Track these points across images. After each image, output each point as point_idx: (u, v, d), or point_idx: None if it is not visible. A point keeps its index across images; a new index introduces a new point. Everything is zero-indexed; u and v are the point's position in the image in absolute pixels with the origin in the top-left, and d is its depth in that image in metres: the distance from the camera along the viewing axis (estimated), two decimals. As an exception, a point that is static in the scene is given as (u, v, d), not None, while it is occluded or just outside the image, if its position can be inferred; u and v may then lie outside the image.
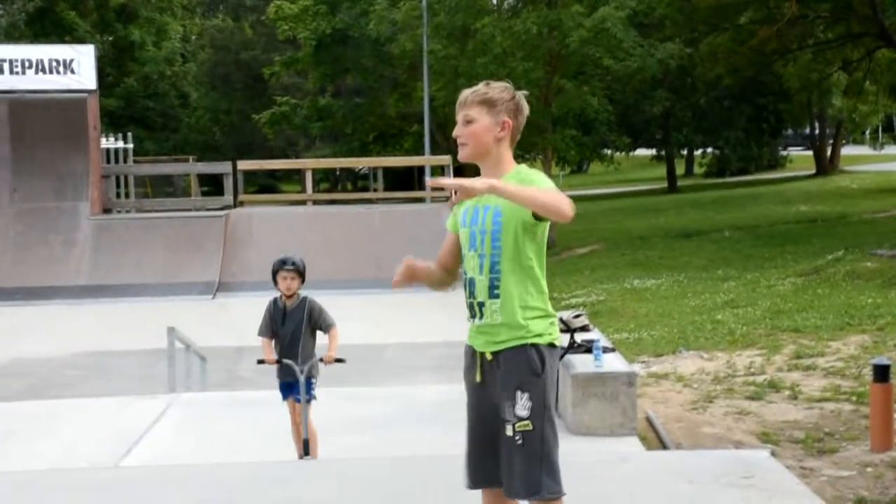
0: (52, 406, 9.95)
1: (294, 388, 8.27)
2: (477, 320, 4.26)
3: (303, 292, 8.47)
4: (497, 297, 4.19)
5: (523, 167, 4.32)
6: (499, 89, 4.31)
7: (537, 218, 4.12)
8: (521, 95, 4.34)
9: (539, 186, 4.10)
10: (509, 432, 4.12)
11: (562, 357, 7.93)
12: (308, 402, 8.10)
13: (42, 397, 10.61)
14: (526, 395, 4.12)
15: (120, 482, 6.89)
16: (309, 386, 8.21)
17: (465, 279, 4.31)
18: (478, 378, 4.26)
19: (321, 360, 8.25)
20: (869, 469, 7.72)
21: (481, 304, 4.23)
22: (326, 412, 9.08)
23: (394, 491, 6.12)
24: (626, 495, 6.15)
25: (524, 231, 4.17)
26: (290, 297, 8.42)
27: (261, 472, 6.84)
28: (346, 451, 7.70)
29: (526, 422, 4.10)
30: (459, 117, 4.30)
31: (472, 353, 4.33)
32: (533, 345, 4.18)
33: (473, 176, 4.28)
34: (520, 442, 4.10)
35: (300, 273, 8.52)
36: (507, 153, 4.30)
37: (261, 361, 8.45)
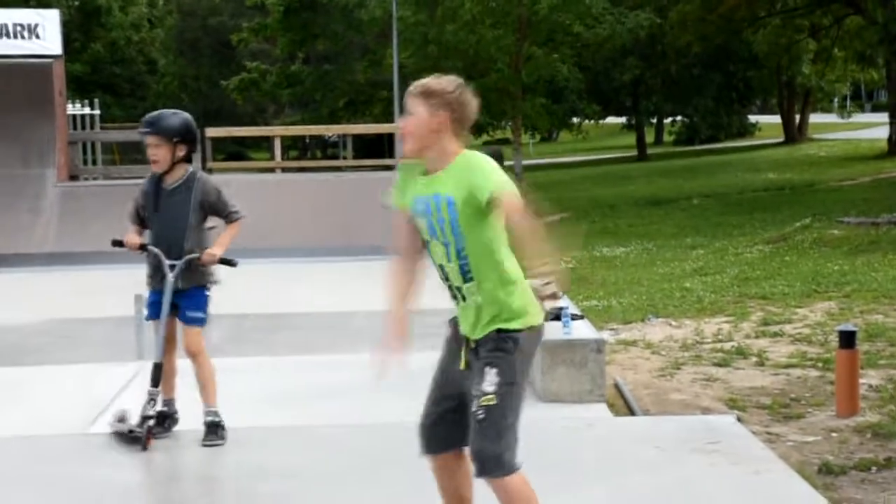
0: (19, 373, 9.89)
1: (176, 300, 6.64)
2: (461, 302, 4.25)
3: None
4: (471, 279, 4.18)
5: (468, 153, 4.22)
6: (442, 81, 4.25)
7: (489, 205, 4.09)
8: (466, 89, 4.26)
9: (485, 176, 4.06)
10: (474, 407, 4.12)
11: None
12: (191, 323, 6.70)
13: (9, 364, 10.54)
14: (494, 371, 4.11)
15: (88, 448, 6.87)
16: (198, 298, 6.71)
17: (435, 264, 4.29)
18: (462, 366, 4.26)
19: (198, 258, 6.59)
20: (834, 434, 7.80)
21: (458, 288, 4.23)
22: (294, 379, 9.08)
23: (362, 457, 6.14)
24: (592, 461, 6.19)
25: (481, 215, 4.13)
26: (167, 171, 6.61)
27: (228, 437, 6.83)
28: (314, 417, 7.69)
29: (490, 397, 4.08)
30: (406, 111, 4.25)
31: (457, 334, 4.33)
32: (508, 331, 4.16)
33: None
34: (480, 416, 4.08)
35: (169, 137, 6.53)
36: (450, 144, 4.20)
37: (117, 242, 6.85)
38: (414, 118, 4.19)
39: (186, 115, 6.77)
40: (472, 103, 4.28)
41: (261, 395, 8.48)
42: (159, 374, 6.60)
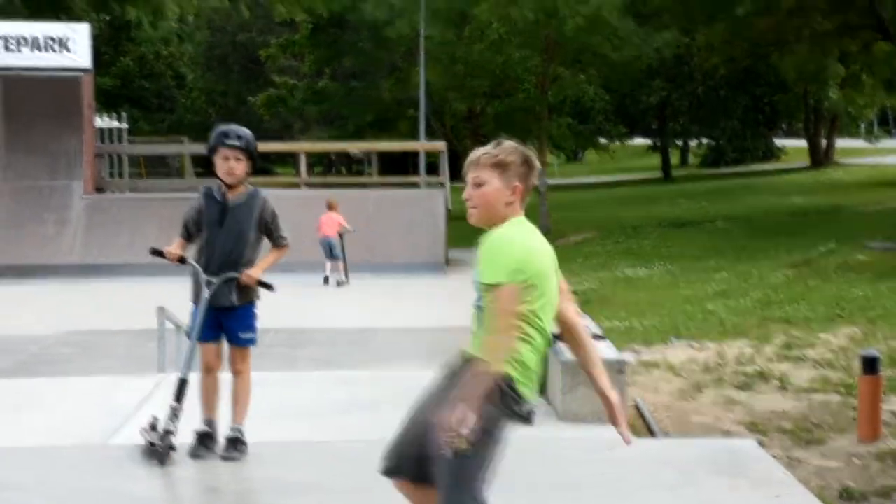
0: (41, 384, 9.95)
1: (223, 319, 6.61)
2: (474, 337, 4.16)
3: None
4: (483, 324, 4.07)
5: (505, 228, 4.10)
6: (509, 151, 4.14)
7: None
8: (532, 154, 4.21)
9: (492, 260, 3.98)
10: (441, 442, 3.91)
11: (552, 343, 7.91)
12: (244, 344, 6.72)
13: (32, 375, 10.61)
14: (472, 416, 3.86)
15: (108, 460, 6.90)
16: (246, 318, 6.69)
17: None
18: (448, 381, 4.13)
19: (236, 277, 6.53)
20: (856, 460, 7.75)
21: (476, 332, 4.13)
22: (315, 394, 9.09)
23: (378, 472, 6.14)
24: (611, 482, 6.17)
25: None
26: (232, 186, 6.63)
27: (253, 451, 6.84)
28: (333, 433, 7.70)
29: (463, 440, 3.85)
30: (469, 178, 4.13)
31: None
32: (506, 377, 3.97)
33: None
34: (446, 455, 3.91)
35: (249, 153, 6.63)
36: (513, 216, 4.13)
37: (157, 252, 6.69)
38: (489, 188, 4.10)
39: None
40: (538, 167, 4.25)
41: (281, 409, 8.49)
42: (183, 390, 6.58)
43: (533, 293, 3.98)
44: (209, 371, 6.77)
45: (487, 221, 4.12)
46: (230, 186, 6.62)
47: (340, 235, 20.57)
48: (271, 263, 6.69)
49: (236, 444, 6.62)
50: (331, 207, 21.20)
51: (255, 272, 6.56)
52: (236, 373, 6.75)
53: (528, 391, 4.08)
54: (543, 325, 4.06)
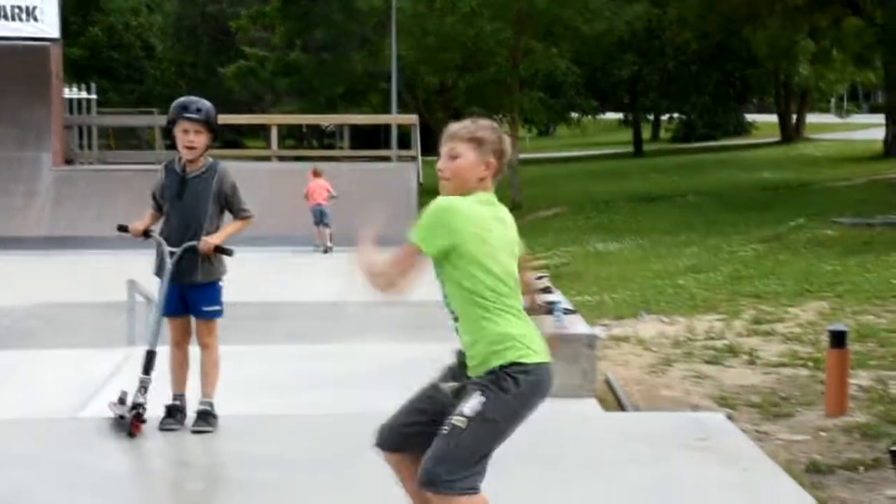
0: (10, 357, 9.88)
1: (187, 294, 6.59)
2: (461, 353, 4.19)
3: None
4: (457, 321, 4.13)
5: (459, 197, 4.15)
6: (487, 129, 4.20)
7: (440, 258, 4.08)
8: (506, 137, 4.27)
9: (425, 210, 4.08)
10: (446, 420, 3.99)
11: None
12: (209, 317, 6.66)
13: (0, 348, 10.53)
14: (479, 398, 3.96)
15: (77, 433, 6.87)
16: (211, 292, 6.63)
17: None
18: (451, 394, 4.13)
19: (195, 246, 6.47)
20: (823, 433, 7.81)
21: (457, 331, 4.16)
22: (286, 369, 9.08)
23: (350, 445, 6.13)
24: (581, 455, 6.19)
25: (449, 264, 4.09)
26: (192, 160, 6.59)
27: (221, 424, 6.83)
28: (304, 407, 7.70)
29: (463, 419, 3.94)
30: (444, 150, 4.18)
31: (459, 366, 4.21)
32: (498, 369, 4.01)
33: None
34: (445, 430, 3.95)
35: (209, 126, 6.57)
36: (487, 189, 4.19)
37: (122, 228, 6.71)
38: (463, 161, 4.14)
39: None
40: (510, 152, 4.29)
41: (252, 383, 8.48)
42: (151, 362, 6.56)
43: (459, 257, 4.04)
44: (176, 346, 6.75)
45: (459, 194, 4.14)
46: (190, 159, 6.56)
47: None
48: (231, 234, 6.61)
49: (206, 417, 6.60)
50: (317, 174, 21.39)
51: (213, 238, 6.48)
52: (203, 346, 6.71)
53: (532, 353, 4.10)
54: (492, 284, 4.06)
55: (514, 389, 4.00)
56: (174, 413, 6.68)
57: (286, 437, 6.61)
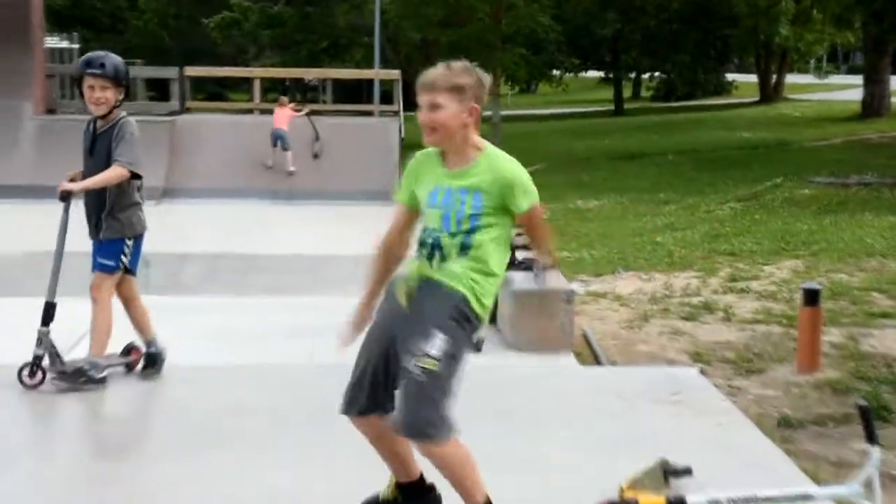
0: (-5, 304, 9.85)
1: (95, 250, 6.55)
2: (428, 264, 4.16)
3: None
4: (466, 256, 4.12)
5: (492, 151, 4.21)
6: (464, 72, 4.17)
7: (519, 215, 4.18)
8: (482, 72, 4.23)
9: (525, 190, 4.15)
10: (410, 365, 3.99)
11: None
12: (99, 269, 6.60)
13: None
14: (443, 338, 4.00)
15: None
16: (111, 247, 6.57)
17: (426, 240, 4.18)
18: (404, 301, 4.13)
19: (97, 202, 6.50)
20: (794, 389, 7.87)
21: (444, 259, 4.13)
22: (267, 319, 9.09)
23: (328, 395, 6.16)
24: (557, 408, 6.24)
25: (503, 217, 4.16)
26: (101, 116, 6.43)
27: (199, 375, 6.85)
28: (286, 357, 7.72)
29: (434, 361, 3.97)
30: (424, 101, 4.13)
31: (402, 279, 4.22)
32: (468, 301, 4.08)
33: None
34: (417, 377, 3.97)
35: (117, 81, 6.39)
36: (472, 135, 4.18)
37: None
38: (445, 112, 4.11)
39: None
40: (488, 83, 4.26)
41: (229, 334, 8.49)
42: (49, 314, 6.54)
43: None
44: (122, 303, 6.73)
45: (444, 142, 4.16)
46: (99, 115, 6.44)
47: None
48: (98, 182, 6.40)
49: (76, 375, 6.47)
50: (281, 105, 22.23)
51: (70, 185, 6.44)
52: (92, 300, 6.58)
53: (489, 307, 4.19)
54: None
55: (468, 326, 4.10)
56: (150, 361, 6.73)
57: (265, 386, 6.62)
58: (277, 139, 21.46)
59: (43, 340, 6.46)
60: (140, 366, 6.79)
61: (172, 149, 22.75)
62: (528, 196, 4.15)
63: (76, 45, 30.74)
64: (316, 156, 21.71)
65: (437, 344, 3.99)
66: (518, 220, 4.19)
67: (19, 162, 22.86)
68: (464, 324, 4.07)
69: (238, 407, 6.17)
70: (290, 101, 24.41)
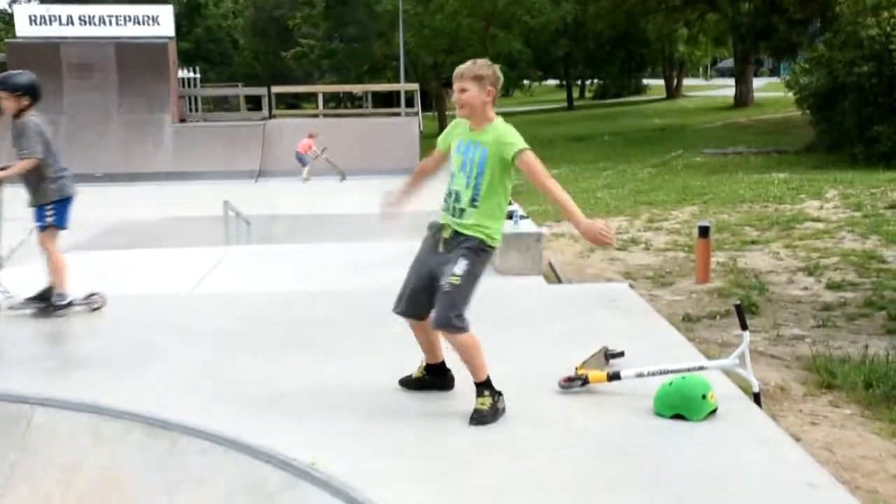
0: (146, 253, 9.84)
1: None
2: (452, 216, 4.11)
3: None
4: (476, 207, 4.05)
5: (500, 122, 4.12)
6: (483, 66, 4.11)
7: (512, 161, 4.04)
8: (497, 67, 4.17)
9: (513, 141, 4.04)
10: (443, 281, 4.01)
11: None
12: (39, 229, 6.02)
13: (139, 247, 10.48)
14: (465, 262, 4.00)
15: (194, 301, 6.87)
16: (39, 212, 6.00)
17: (452, 189, 4.13)
18: (441, 248, 4.11)
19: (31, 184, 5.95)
20: (694, 295, 7.83)
21: (462, 210, 4.08)
22: (332, 259, 9.04)
23: (376, 311, 6.11)
24: (530, 312, 6.19)
25: (501, 168, 4.06)
26: (16, 116, 5.86)
27: (285, 298, 6.80)
28: (346, 284, 7.68)
29: (458, 278, 3.98)
30: (456, 86, 4.10)
31: (439, 228, 4.17)
32: (483, 241, 4.07)
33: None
34: (447, 289, 3.98)
35: (10, 90, 5.80)
36: (489, 110, 4.11)
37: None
38: (470, 94, 4.06)
39: (33, 75, 6.01)
40: (502, 77, 4.19)
41: (305, 269, 8.45)
42: None
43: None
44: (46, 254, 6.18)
45: (470, 115, 4.13)
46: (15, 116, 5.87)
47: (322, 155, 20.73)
48: (15, 171, 5.84)
49: (53, 308, 6.09)
50: (310, 136, 21.15)
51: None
52: (43, 250, 6.10)
53: (499, 240, 4.16)
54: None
55: (482, 255, 4.09)
56: (38, 298, 6.18)
57: (334, 305, 6.56)
58: (299, 159, 20.68)
59: None
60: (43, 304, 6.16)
61: (264, 143, 22.78)
62: (513, 145, 4.05)
63: (198, 75, 30.54)
64: (342, 178, 20.55)
65: (461, 267, 4.00)
66: (518, 165, 4.06)
67: (162, 157, 22.96)
68: (481, 254, 4.08)
69: (313, 320, 6.13)
70: (343, 108, 24.00)
